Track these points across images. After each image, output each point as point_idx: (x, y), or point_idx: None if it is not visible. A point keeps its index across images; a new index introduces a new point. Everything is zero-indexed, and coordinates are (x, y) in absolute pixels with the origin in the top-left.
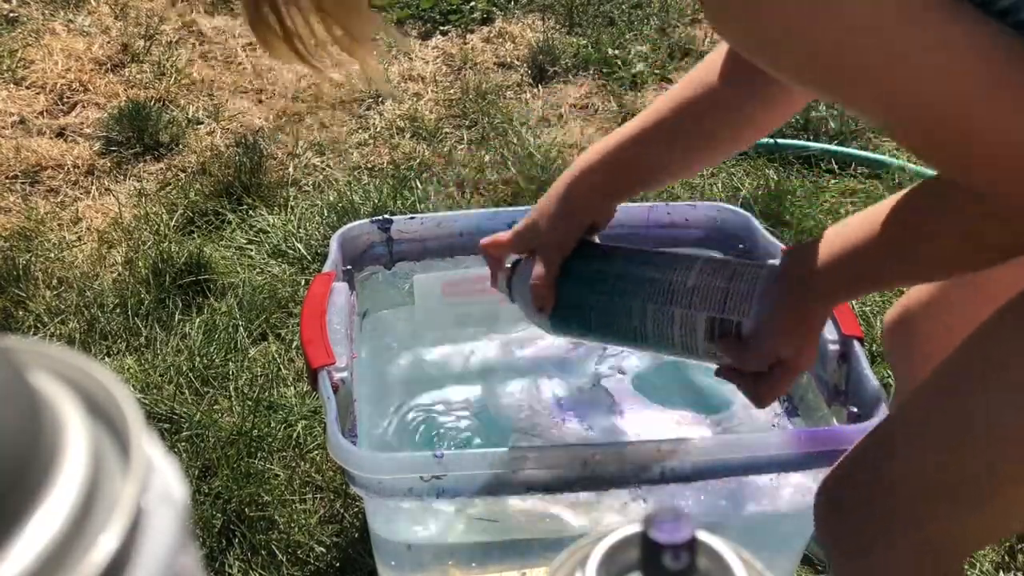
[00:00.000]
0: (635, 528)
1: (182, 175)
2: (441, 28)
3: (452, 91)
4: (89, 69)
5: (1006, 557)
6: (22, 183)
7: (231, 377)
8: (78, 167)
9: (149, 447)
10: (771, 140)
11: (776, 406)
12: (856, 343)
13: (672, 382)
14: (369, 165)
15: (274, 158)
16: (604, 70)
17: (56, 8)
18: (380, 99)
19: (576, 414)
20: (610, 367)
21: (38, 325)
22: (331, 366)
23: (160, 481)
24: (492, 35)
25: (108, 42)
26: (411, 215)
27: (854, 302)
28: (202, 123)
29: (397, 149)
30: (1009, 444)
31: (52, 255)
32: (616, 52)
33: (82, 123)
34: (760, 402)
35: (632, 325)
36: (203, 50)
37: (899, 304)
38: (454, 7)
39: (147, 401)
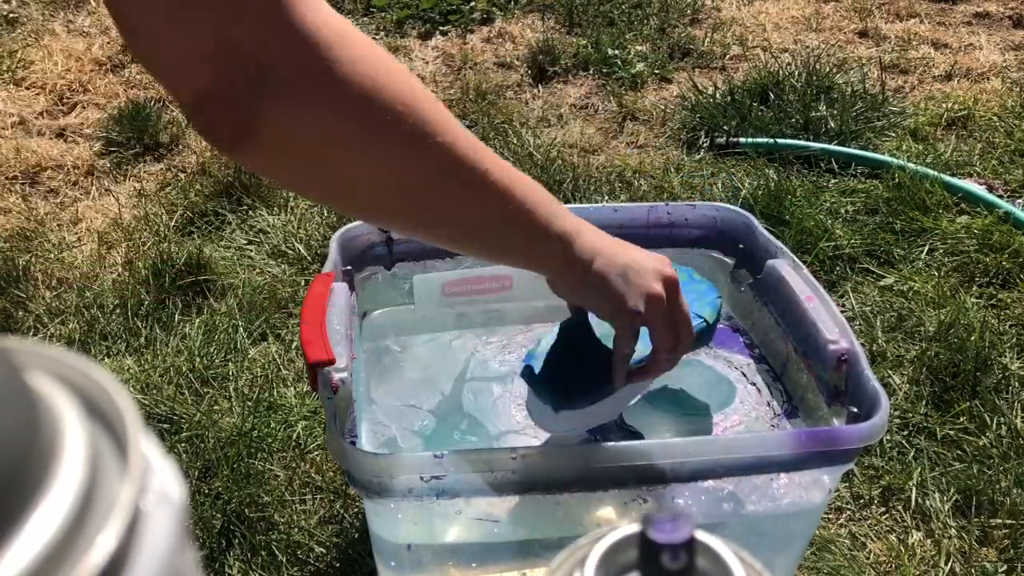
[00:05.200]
0: (634, 528)
1: (182, 175)
2: (441, 28)
3: (452, 91)
4: (89, 69)
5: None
6: (22, 183)
7: (231, 377)
8: (78, 167)
9: (147, 448)
10: (771, 140)
11: (776, 406)
12: (856, 344)
13: (671, 383)
14: None
15: None
16: (604, 70)
17: (56, 8)
18: None
19: None
20: None
21: (38, 326)
22: (331, 366)
23: (158, 482)
24: (492, 35)
25: (108, 42)
26: None
27: (854, 303)
28: None
29: None
30: None
31: (52, 256)
32: (616, 52)
33: (82, 123)
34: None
35: None
36: None
37: None
38: (454, 7)
39: (147, 402)
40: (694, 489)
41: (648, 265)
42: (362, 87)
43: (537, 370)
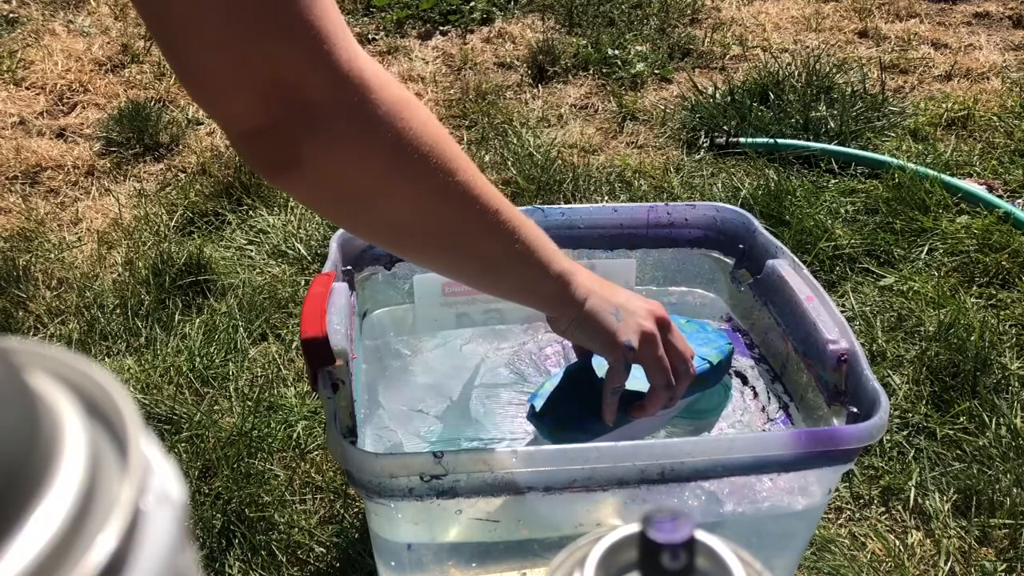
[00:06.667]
0: (633, 528)
1: (182, 175)
2: (441, 28)
3: (452, 91)
4: (89, 70)
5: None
6: (22, 183)
7: (231, 377)
8: (78, 167)
9: (147, 448)
10: (771, 140)
11: (772, 409)
12: (856, 344)
13: None
14: None
15: None
16: (604, 70)
17: (56, 9)
18: None
19: None
20: None
21: (38, 326)
22: (331, 366)
23: (158, 482)
24: (492, 35)
25: (108, 42)
26: None
27: (854, 303)
28: (202, 123)
29: None
30: None
31: (52, 256)
32: (616, 52)
33: (82, 123)
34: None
35: None
36: None
37: None
38: (454, 7)
39: (147, 402)
40: (693, 489)
41: (640, 305)
42: (395, 127)
43: (539, 408)
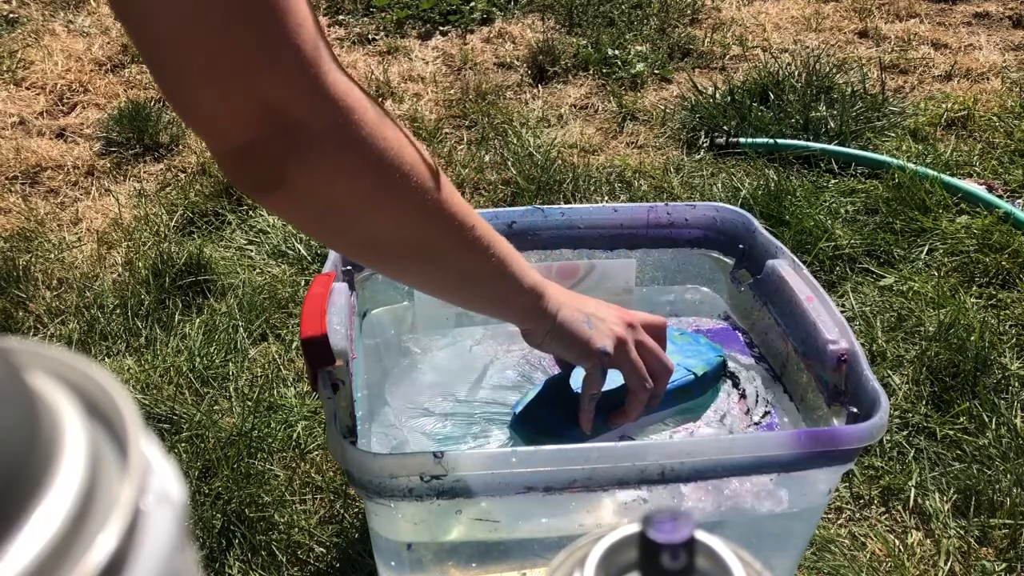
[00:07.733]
0: (633, 528)
1: (182, 175)
2: (441, 28)
3: (452, 91)
4: (89, 70)
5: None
6: (22, 183)
7: (231, 377)
8: (78, 168)
9: (147, 448)
10: (771, 140)
11: (757, 414)
12: (856, 344)
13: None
14: None
15: None
16: (604, 70)
17: (56, 9)
18: (381, 98)
19: None
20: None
21: (38, 326)
22: (331, 366)
23: (158, 482)
24: (492, 35)
25: (108, 43)
26: None
27: (854, 303)
28: None
29: None
30: None
31: (52, 256)
32: (616, 52)
33: (82, 124)
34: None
35: None
36: None
37: None
38: (454, 7)
39: (147, 402)
40: (693, 489)
41: (610, 312)
42: (377, 147)
43: (518, 415)
